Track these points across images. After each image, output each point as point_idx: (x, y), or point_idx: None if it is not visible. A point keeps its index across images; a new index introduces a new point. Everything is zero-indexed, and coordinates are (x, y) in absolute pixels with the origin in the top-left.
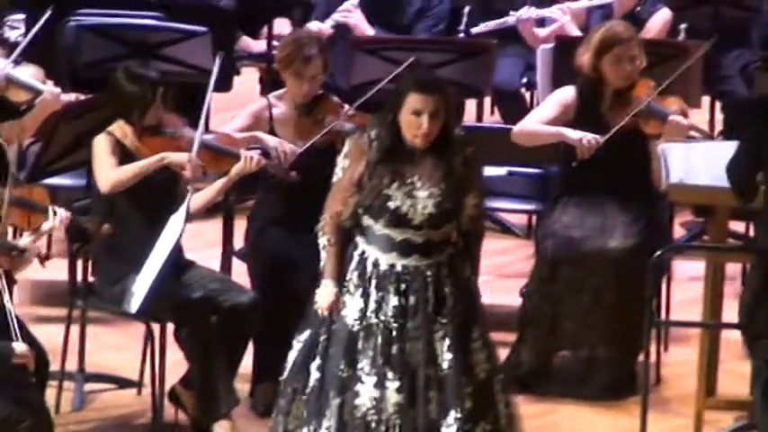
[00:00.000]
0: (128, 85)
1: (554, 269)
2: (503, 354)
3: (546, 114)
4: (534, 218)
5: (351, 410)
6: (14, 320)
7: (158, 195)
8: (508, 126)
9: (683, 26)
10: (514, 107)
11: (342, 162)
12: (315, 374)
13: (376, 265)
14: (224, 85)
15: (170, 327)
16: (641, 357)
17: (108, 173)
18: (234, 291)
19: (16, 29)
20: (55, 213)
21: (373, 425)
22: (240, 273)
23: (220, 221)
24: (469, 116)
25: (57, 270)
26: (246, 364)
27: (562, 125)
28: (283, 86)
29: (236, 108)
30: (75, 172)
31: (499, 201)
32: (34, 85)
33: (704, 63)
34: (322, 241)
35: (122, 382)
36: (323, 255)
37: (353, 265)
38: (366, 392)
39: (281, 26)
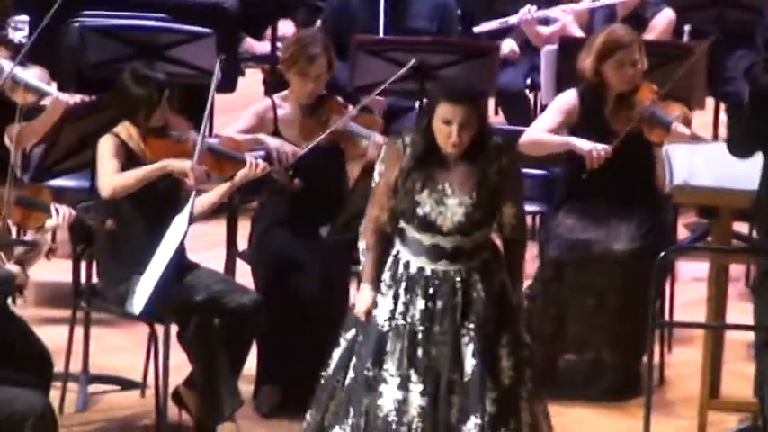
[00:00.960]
0: (134, 86)
1: (558, 272)
2: None
3: (550, 123)
4: (538, 219)
5: (374, 411)
6: None
7: (162, 198)
8: (512, 128)
9: (686, 27)
10: (518, 109)
11: (378, 167)
12: (351, 373)
13: (407, 267)
14: (228, 86)
15: (174, 328)
16: (645, 359)
17: (110, 178)
18: (237, 292)
19: (20, 30)
20: (57, 212)
21: (394, 426)
22: (244, 274)
23: (224, 222)
24: None
25: (60, 271)
26: (250, 365)
27: (566, 130)
28: (287, 88)
29: (240, 109)
30: (79, 173)
31: None
32: (40, 86)
33: (708, 64)
34: (361, 246)
35: (126, 384)
36: (362, 259)
37: (388, 265)
38: (389, 394)
39: (285, 28)
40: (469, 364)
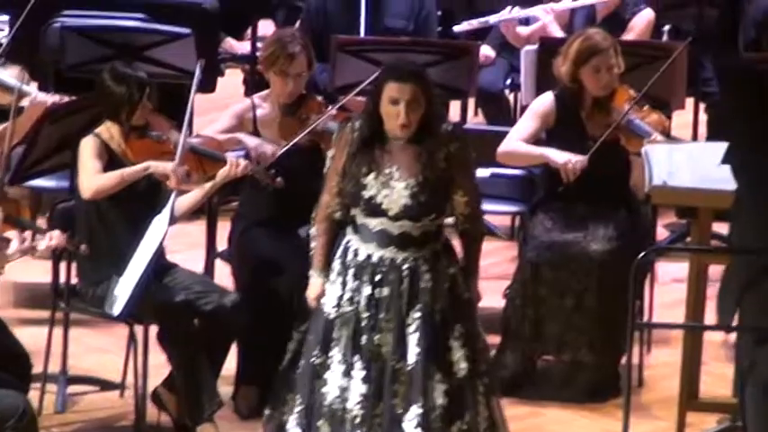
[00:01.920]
0: (115, 85)
1: (536, 272)
2: None
3: (527, 130)
4: (518, 220)
5: (320, 398)
6: None
7: (142, 199)
8: (492, 128)
9: (666, 27)
10: (498, 109)
11: (330, 153)
12: (301, 362)
13: (356, 254)
14: (208, 86)
15: (153, 329)
16: (624, 360)
17: (90, 179)
18: (217, 293)
19: (1, 30)
20: (51, 238)
21: (339, 413)
22: (223, 275)
23: (204, 223)
24: (453, 118)
25: (40, 272)
26: (230, 366)
27: (544, 133)
28: (267, 88)
29: (220, 110)
30: (58, 174)
31: (482, 202)
32: (18, 86)
33: (688, 65)
34: (312, 232)
35: (105, 385)
36: (313, 245)
37: (338, 253)
38: (334, 380)
39: (265, 28)
40: (413, 352)
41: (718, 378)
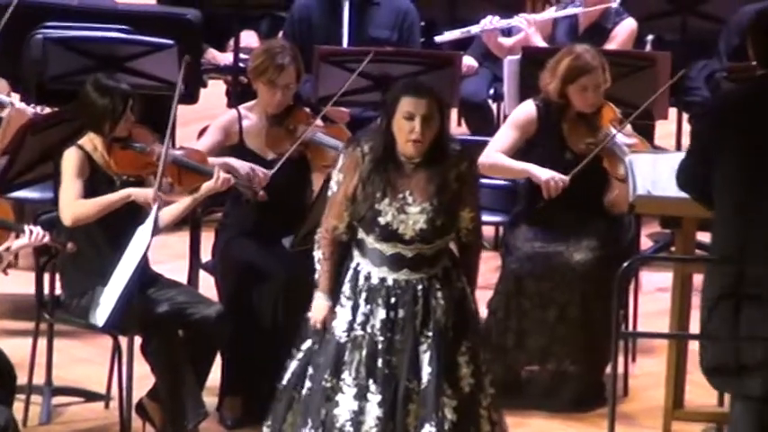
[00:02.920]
0: (98, 97)
1: (519, 283)
2: None
3: (507, 141)
4: (501, 230)
5: (331, 421)
6: None
7: (125, 210)
8: (475, 138)
9: (649, 37)
10: (482, 119)
11: (336, 176)
12: (308, 383)
13: (368, 278)
14: (190, 97)
15: (137, 340)
16: (609, 369)
17: (71, 206)
18: (201, 304)
19: None
20: (32, 232)
21: None
22: (207, 285)
23: (187, 234)
24: None
25: (23, 283)
26: (214, 377)
27: (524, 143)
28: (250, 99)
29: (202, 121)
30: (42, 184)
31: None
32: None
33: (671, 74)
34: (317, 255)
35: (90, 396)
36: (317, 268)
37: (348, 277)
38: (346, 404)
39: (248, 39)
40: (426, 372)
41: (703, 387)
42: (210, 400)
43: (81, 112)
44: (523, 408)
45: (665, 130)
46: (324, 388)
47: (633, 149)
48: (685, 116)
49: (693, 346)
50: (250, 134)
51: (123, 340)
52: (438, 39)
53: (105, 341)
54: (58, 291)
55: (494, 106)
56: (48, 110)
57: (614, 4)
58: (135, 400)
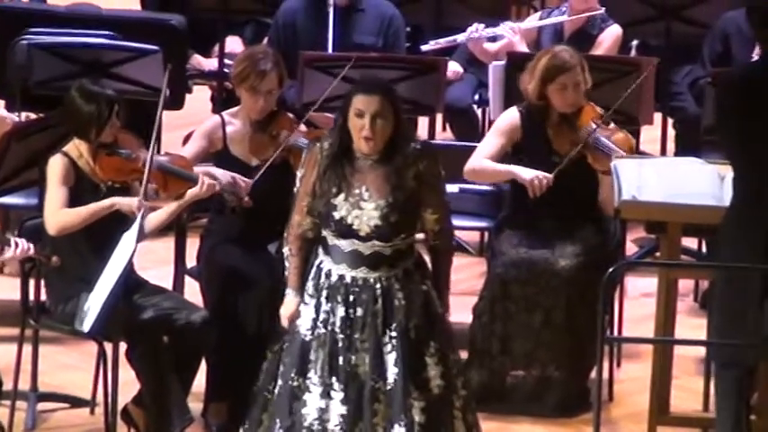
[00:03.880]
0: (84, 103)
1: (504, 289)
2: None
3: (493, 147)
4: (486, 235)
5: (299, 420)
6: None
7: (110, 216)
8: (460, 143)
9: (634, 42)
10: (467, 125)
11: (299, 172)
12: (279, 382)
13: (328, 275)
14: (175, 102)
15: (123, 346)
16: (594, 374)
17: (55, 215)
18: (186, 309)
19: None
20: (17, 245)
21: None
22: (193, 291)
23: (172, 240)
24: (422, 133)
25: (8, 289)
26: (200, 382)
27: (510, 149)
28: (235, 104)
29: (187, 126)
30: (27, 191)
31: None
32: None
33: (655, 79)
34: (285, 251)
35: (75, 402)
36: (287, 265)
37: (311, 275)
38: (312, 403)
39: (233, 44)
40: (392, 372)
41: (688, 392)
42: (196, 405)
43: (66, 118)
44: (508, 413)
45: (650, 135)
46: (291, 387)
47: (618, 144)
48: (670, 121)
49: (679, 351)
50: (234, 140)
51: (108, 346)
52: (424, 48)
53: (90, 347)
54: (43, 297)
55: (479, 112)
56: (32, 116)
57: (599, 12)
58: (120, 405)
